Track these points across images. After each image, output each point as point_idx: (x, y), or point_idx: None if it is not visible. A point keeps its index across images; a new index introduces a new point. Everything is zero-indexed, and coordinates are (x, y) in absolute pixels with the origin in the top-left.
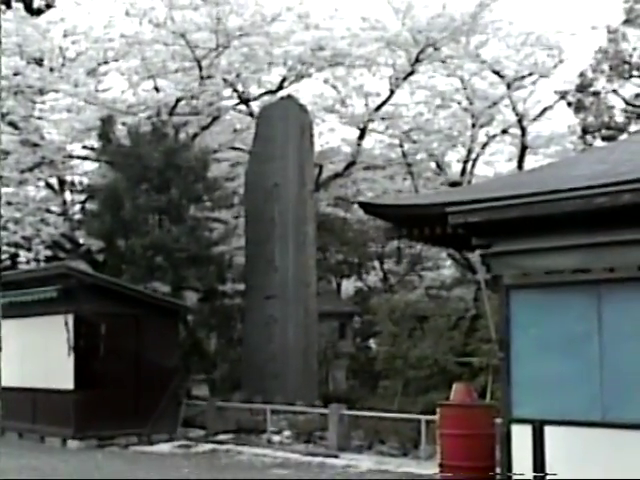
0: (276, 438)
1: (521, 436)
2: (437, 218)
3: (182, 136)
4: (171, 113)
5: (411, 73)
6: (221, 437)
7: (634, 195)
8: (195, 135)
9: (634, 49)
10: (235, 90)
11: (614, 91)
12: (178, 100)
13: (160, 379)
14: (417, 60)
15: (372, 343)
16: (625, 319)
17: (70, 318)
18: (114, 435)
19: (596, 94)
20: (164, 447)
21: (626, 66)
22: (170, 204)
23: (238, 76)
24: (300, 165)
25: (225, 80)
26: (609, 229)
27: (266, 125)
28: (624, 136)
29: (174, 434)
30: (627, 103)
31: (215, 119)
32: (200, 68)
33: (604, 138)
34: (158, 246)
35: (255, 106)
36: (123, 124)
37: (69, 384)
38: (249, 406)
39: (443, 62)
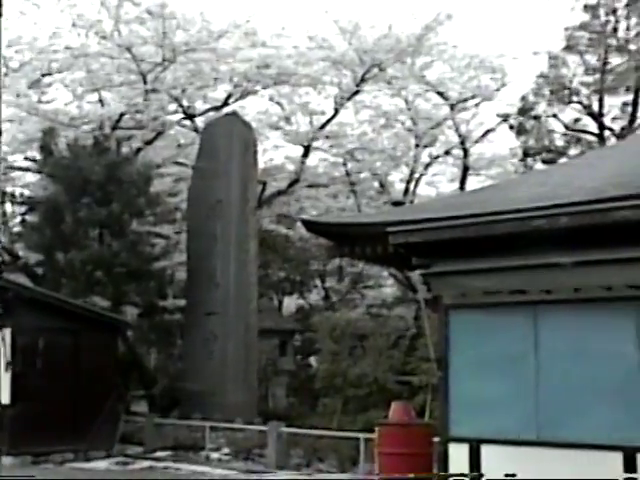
0: (215, 455)
1: (458, 455)
2: (378, 237)
3: (125, 150)
4: (115, 127)
5: (356, 92)
6: (159, 454)
7: (571, 218)
8: (139, 149)
9: (574, 75)
10: (180, 105)
11: (554, 115)
12: (122, 114)
13: (98, 395)
14: (362, 80)
15: (313, 361)
16: (560, 340)
17: (7, 332)
18: (50, 451)
19: (537, 118)
20: (101, 464)
21: (566, 91)
22: (111, 218)
23: (184, 91)
24: (243, 182)
25: (170, 95)
26: (546, 251)
27: (210, 141)
28: (564, 160)
29: (111, 451)
30: (567, 127)
31: (159, 134)
32: (145, 82)
33: (544, 161)
34: (98, 260)
35: (200, 121)
36: (66, 136)
37: (5, 399)
38: (188, 423)
39: (388, 82)
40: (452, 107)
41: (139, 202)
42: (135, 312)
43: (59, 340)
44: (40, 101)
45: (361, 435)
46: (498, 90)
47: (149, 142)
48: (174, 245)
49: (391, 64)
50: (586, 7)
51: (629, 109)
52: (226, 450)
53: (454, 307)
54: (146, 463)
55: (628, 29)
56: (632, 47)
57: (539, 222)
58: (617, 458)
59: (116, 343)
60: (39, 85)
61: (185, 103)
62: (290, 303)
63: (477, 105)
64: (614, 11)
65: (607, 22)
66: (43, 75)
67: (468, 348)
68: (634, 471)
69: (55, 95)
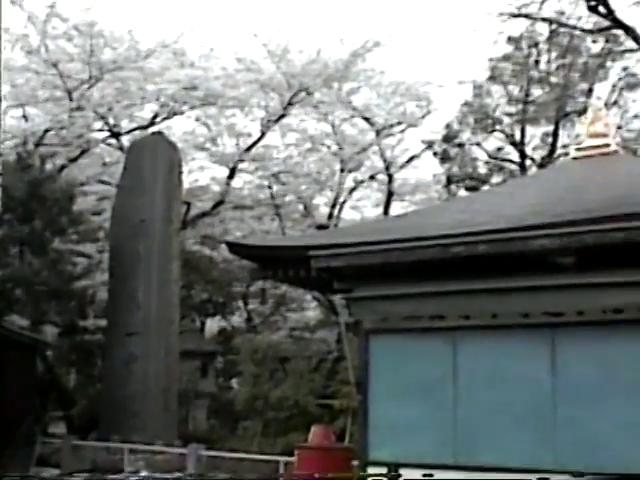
0: (133, 478)
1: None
2: (301, 260)
3: (49, 167)
4: (39, 143)
5: (283, 116)
6: (76, 477)
7: (489, 246)
8: (63, 167)
9: (497, 105)
10: (106, 123)
11: (478, 144)
12: (47, 130)
13: (14, 415)
14: (289, 103)
15: (235, 383)
16: (478, 366)
17: None
18: None
19: (461, 145)
20: None
21: (489, 120)
22: (33, 235)
23: (110, 109)
24: (167, 202)
25: (96, 112)
26: (465, 278)
27: (135, 160)
28: (486, 187)
29: (27, 473)
30: (489, 156)
31: (84, 151)
32: (71, 99)
33: (467, 188)
34: (18, 278)
35: (126, 140)
36: None
37: None
38: (106, 445)
39: (315, 107)
40: (378, 133)
41: (62, 220)
42: (55, 332)
43: None
44: None
45: (281, 458)
46: (423, 117)
47: (73, 160)
48: (96, 264)
49: (318, 89)
50: (510, 39)
51: (549, 139)
52: (145, 473)
53: (374, 332)
54: None
55: (549, 62)
56: (553, 79)
57: (458, 249)
58: None
59: (34, 363)
60: None
61: (111, 121)
62: (212, 325)
63: (402, 131)
64: (536, 44)
65: (529, 54)
66: None
67: (388, 372)
68: None
69: None
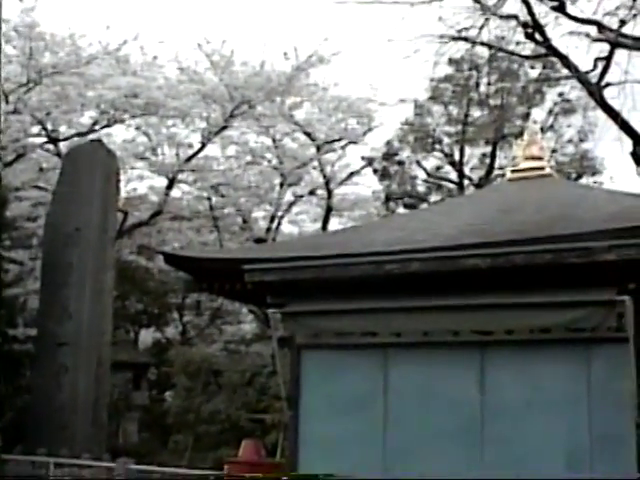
0: None
1: None
2: (237, 274)
3: None
4: None
5: (224, 128)
6: None
7: (422, 264)
8: None
9: (437, 124)
10: (44, 128)
11: (417, 162)
12: None
13: None
14: (231, 115)
15: (168, 396)
16: (409, 382)
17: None
18: None
19: (401, 163)
20: None
21: (429, 139)
22: None
23: (48, 114)
24: (104, 210)
25: (34, 117)
26: (398, 295)
27: (72, 167)
28: (424, 205)
29: None
30: (428, 174)
31: (20, 156)
32: (7, 102)
33: (406, 205)
34: None
35: (64, 146)
36: None
37: None
38: (31, 458)
39: (257, 120)
40: (318, 148)
41: None
42: None
43: None
44: None
45: (211, 473)
46: (364, 134)
47: (8, 164)
48: (28, 272)
49: (261, 102)
50: (450, 61)
51: (487, 160)
52: None
53: (307, 347)
54: None
55: (489, 84)
56: (492, 102)
57: (391, 266)
58: None
59: None
60: None
61: (49, 127)
62: (147, 336)
63: (343, 147)
64: (476, 67)
65: (470, 77)
66: None
67: (319, 388)
68: None
69: None
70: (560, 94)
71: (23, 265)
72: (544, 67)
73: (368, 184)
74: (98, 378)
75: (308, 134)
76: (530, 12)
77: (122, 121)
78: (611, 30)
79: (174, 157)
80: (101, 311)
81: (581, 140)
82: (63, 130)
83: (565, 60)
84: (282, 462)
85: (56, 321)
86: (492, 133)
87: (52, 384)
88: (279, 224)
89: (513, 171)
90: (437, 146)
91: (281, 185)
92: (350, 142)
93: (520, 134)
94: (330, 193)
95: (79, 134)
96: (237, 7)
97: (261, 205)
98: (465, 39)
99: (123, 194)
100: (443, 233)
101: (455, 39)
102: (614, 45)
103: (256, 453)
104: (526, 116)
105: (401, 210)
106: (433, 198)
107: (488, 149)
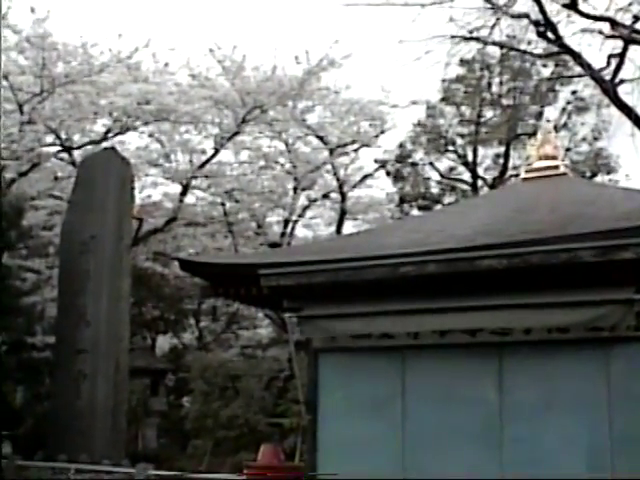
0: None
1: None
2: (252, 278)
3: None
4: None
5: (237, 133)
6: None
7: (438, 265)
8: (12, 181)
9: (450, 125)
10: (58, 137)
11: (430, 164)
12: None
13: None
14: (243, 121)
15: (186, 401)
16: (426, 384)
17: None
18: None
19: (414, 165)
20: None
21: (442, 141)
22: None
23: (61, 123)
24: (119, 218)
25: (48, 126)
26: (414, 297)
27: (86, 175)
28: (438, 207)
29: None
30: (442, 176)
31: (35, 165)
32: (22, 112)
33: (420, 207)
34: None
35: (78, 155)
36: None
37: None
38: (52, 465)
39: (269, 124)
40: (331, 151)
41: (10, 235)
42: (2, 349)
43: None
44: None
45: (230, 477)
46: (377, 137)
47: (24, 174)
48: (45, 280)
49: (273, 106)
50: (462, 61)
51: (501, 160)
52: None
53: (324, 350)
54: None
55: (501, 84)
56: (505, 102)
57: (407, 269)
58: None
59: None
60: None
61: (63, 135)
62: (164, 342)
63: (356, 150)
64: (488, 67)
65: (482, 77)
66: None
67: (337, 391)
68: None
69: None
70: (573, 92)
71: (40, 273)
72: (556, 65)
73: (382, 187)
74: (116, 384)
75: (321, 138)
76: (542, 10)
77: (135, 128)
78: (624, 26)
79: (187, 163)
80: (118, 318)
81: (595, 138)
82: (77, 139)
83: (578, 58)
84: (301, 466)
85: (74, 328)
86: (505, 133)
87: (71, 391)
88: (293, 228)
89: (527, 171)
90: (450, 147)
91: (295, 189)
92: (363, 145)
93: (533, 133)
94: (344, 196)
95: (93, 142)
96: (247, 12)
97: (275, 210)
98: (477, 39)
99: (138, 201)
100: (458, 234)
101: (466, 39)
102: (628, 41)
103: (275, 457)
104: (539, 115)
105: (415, 212)
106: (447, 199)
107: (501, 149)
